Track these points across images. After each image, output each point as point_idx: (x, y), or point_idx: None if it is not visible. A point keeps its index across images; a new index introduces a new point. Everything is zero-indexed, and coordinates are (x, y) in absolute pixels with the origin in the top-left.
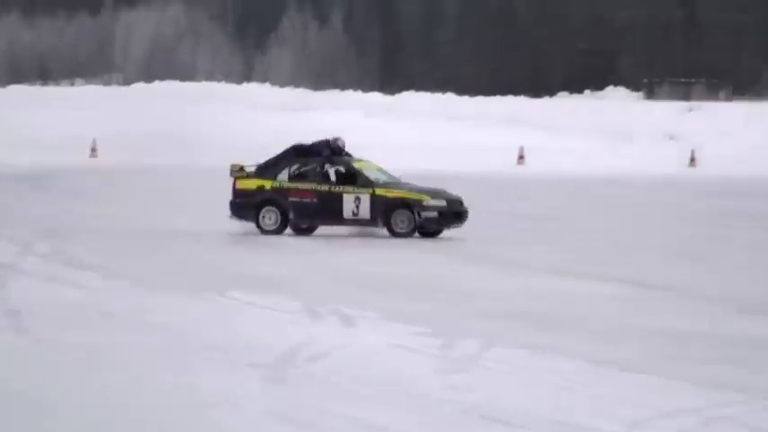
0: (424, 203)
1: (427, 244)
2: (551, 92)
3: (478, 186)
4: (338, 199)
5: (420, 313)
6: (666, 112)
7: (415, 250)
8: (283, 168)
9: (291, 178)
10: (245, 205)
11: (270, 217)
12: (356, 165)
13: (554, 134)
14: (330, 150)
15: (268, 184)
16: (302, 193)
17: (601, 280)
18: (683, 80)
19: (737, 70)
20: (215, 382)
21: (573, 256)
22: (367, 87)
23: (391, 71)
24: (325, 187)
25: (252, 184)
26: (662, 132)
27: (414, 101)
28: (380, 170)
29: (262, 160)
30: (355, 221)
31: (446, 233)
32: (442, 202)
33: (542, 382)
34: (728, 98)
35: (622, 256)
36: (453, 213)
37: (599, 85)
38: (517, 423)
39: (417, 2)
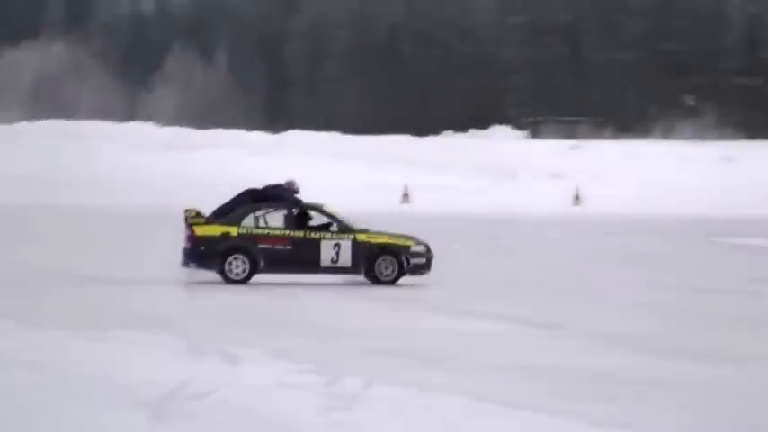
0: (412, 250)
1: (314, 285)
2: (436, 131)
3: (364, 225)
4: (315, 246)
5: (305, 351)
6: (551, 151)
7: (306, 288)
8: (246, 214)
9: (258, 224)
10: (207, 253)
11: (237, 265)
12: (327, 209)
13: (439, 173)
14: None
15: (234, 231)
16: (274, 240)
17: (486, 318)
18: (567, 119)
19: (622, 108)
20: (98, 419)
21: (459, 293)
22: (252, 126)
23: (276, 110)
24: (299, 233)
25: (214, 230)
26: (547, 171)
27: (298, 139)
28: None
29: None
30: (335, 269)
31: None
32: (425, 248)
33: (427, 420)
34: (613, 136)
35: (509, 295)
36: (430, 259)
37: (484, 125)
38: None
39: (302, 40)
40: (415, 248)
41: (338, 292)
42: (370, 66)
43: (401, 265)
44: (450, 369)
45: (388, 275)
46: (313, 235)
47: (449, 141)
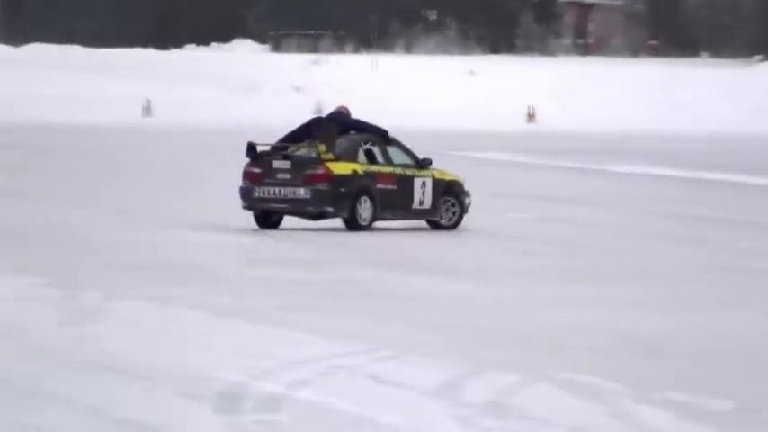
0: (465, 188)
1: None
2: (179, 44)
3: (104, 138)
4: (410, 185)
5: (48, 265)
6: (293, 65)
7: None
8: (357, 146)
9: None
10: (344, 195)
11: (365, 209)
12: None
13: (181, 86)
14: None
15: (359, 168)
16: (386, 179)
17: (230, 231)
18: (309, 33)
19: (364, 23)
20: None
21: (206, 208)
22: None
23: (15, 22)
24: (399, 171)
25: (344, 167)
26: (289, 84)
27: (39, 53)
28: None
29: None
30: (420, 213)
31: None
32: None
33: (168, 334)
34: (355, 51)
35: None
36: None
37: (226, 38)
38: (142, 374)
39: None
40: (466, 187)
41: (82, 207)
42: None
43: (462, 207)
44: (192, 283)
45: (451, 220)
46: (409, 172)
47: (191, 55)
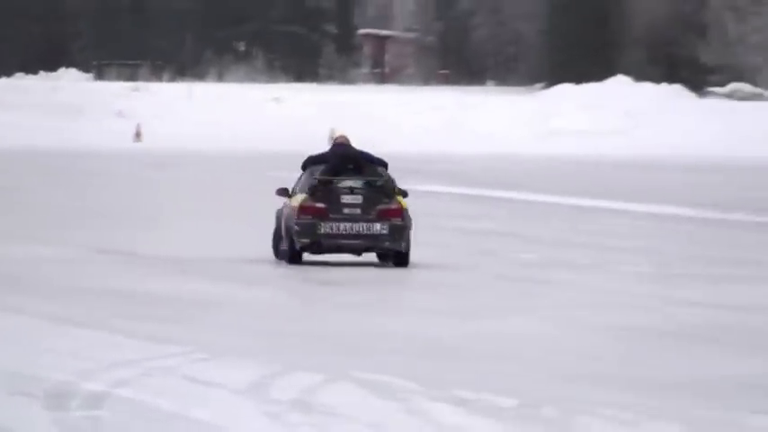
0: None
1: None
2: (8, 73)
3: None
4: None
5: None
6: (115, 92)
7: None
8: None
9: None
10: (407, 230)
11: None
12: None
13: (9, 112)
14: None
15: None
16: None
17: (59, 244)
18: (129, 62)
19: (180, 53)
20: None
21: (32, 222)
22: None
23: None
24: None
25: (402, 202)
26: (110, 110)
27: None
28: None
29: None
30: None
31: None
32: None
33: (4, 338)
34: (172, 78)
35: (79, 222)
36: None
37: (53, 67)
38: None
39: None
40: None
41: None
42: None
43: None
44: (30, 292)
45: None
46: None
47: (18, 83)
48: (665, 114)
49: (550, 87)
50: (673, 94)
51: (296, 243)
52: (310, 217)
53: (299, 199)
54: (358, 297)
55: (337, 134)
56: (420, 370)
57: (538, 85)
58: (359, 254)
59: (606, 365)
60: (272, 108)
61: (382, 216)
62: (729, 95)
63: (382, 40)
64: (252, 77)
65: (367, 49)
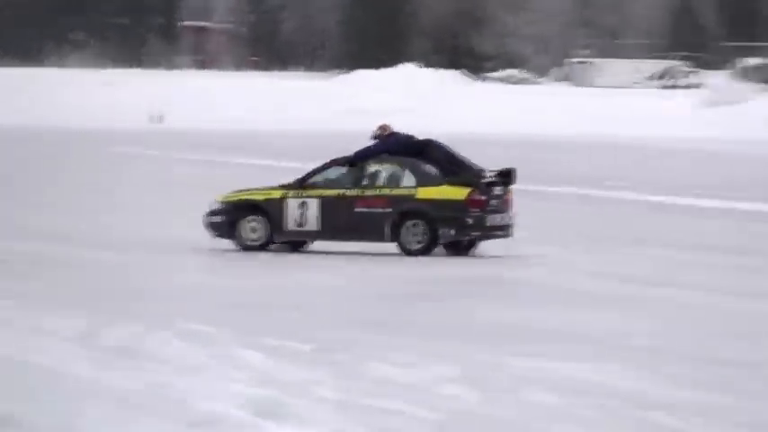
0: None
1: None
2: None
3: None
4: None
5: None
6: None
7: None
8: None
9: None
10: None
11: None
12: None
13: None
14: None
15: None
16: None
17: None
18: None
19: (21, 40)
20: None
21: None
22: None
23: None
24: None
25: None
26: None
27: None
28: None
29: None
30: None
31: None
32: None
33: None
34: (11, 64)
35: None
36: None
37: None
38: None
39: None
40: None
41: None
42: None
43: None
44: None
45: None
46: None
47: None
48: (447, 96)
49: (350, 72)
50: (454, 79)
51: (461, 234)
52: (479, 210)
53: (445, 191)
54: (177, 259)
55: (382, 125)
56: (234, 321)
57: (339, 71)
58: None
59: (391, 313)
60: (104, 91)
61: (507, 206)
62: (503, 80)
63: (201, 30)
64: (86, 63)
65: (188, 39)
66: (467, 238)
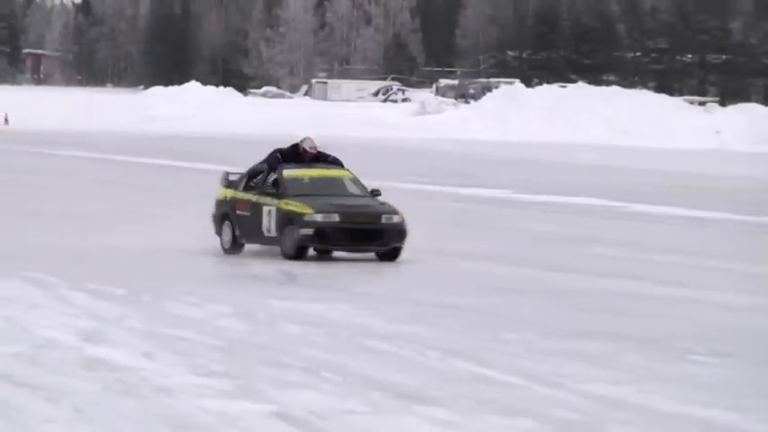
0: (306, 219)
1: None
2: None
3: None
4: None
5: None
6: None
7: None
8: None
9: None
10: None
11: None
12: None
13: None
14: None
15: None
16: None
17: None
18: None
19: None
20: None
21: None
22: None
23: None
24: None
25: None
26: None
27: None
28: None
29: None
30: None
31: None
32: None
33: None
34: None
35: None
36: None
37: None
38: None
39: None
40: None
41: None
42: None
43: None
44: None
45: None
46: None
47: None
48: (221, 106)
49: (148, 88)
50: (226, 94)
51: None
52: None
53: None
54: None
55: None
56: (66, 272)
57: (140, 87)
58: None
59: (183, 267)
60: None
61: None
62: (263, 95)
63: (38, 56)
64: None
65: (29, 63)
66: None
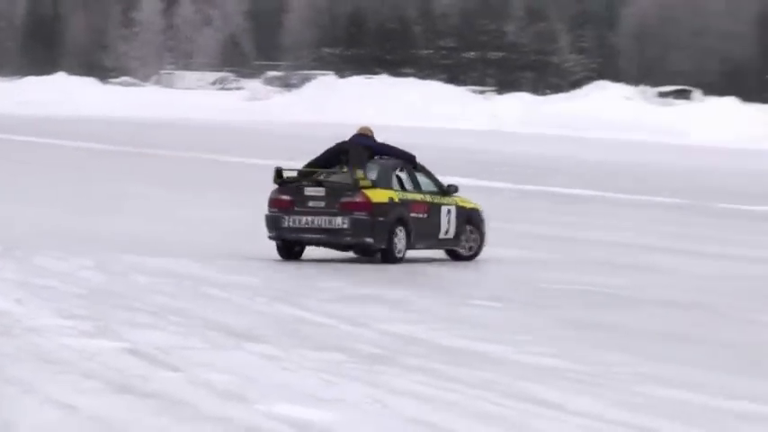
0: (483, 216)
1: None
2: None
3: None
4: (437, 213)
5: None
6: None
7: None
8: (390, 171)
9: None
10: (382, 226)
11: (400, 239)
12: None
13: None
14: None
15: (395, 196)
16: (419, 207)
17: None
18: None
19: None
20: None
21: None
22: None
23: None
24: (428, 198)
25: (382, 194)
26: None
27: None
28: None
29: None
30: (444, 242)
31: None
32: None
33: None
34: None
35: None
36: None
37: None
38: None
39: None
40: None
41: None
42: None
43: (481, 236)
44: None
45: (470, 249)
46: (437, 200)
47: None
48: (84, 93)
49: (22, 78)
50: (89, 82)
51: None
52: (276, 210)
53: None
54: None
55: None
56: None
57: (16, 76)
58: (342, 250)
59: (52, 227)
60: None
61: (344, 209)
62: (121, 83)
63: None
64: None
65: None
66: (274, 239)
